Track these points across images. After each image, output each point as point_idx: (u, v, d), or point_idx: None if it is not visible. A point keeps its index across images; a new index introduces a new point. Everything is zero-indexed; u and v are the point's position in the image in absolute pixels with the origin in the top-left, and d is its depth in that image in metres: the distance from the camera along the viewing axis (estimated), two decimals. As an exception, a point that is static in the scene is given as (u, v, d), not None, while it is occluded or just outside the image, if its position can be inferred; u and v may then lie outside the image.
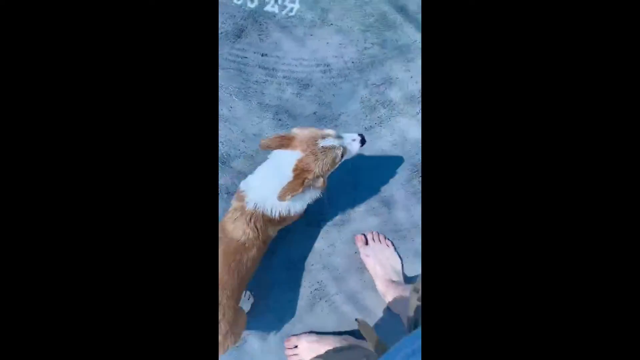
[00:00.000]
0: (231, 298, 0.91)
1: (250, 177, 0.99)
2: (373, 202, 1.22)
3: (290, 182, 0.89)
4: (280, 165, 0.92)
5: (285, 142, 0.91)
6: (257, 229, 0.93)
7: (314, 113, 1.28)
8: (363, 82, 1.30)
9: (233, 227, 0.94)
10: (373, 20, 1.36)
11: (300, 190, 0.89)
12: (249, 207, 0.93)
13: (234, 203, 0.98)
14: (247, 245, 0.94)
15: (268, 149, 0.94)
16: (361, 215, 1.21)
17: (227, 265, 0.91)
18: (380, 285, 1.08)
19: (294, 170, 0.90)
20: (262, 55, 1.32)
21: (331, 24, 1.35)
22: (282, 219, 0.97)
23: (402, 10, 1.37)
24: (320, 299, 1.16)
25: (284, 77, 1.31)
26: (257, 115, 1.28)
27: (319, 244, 1.19)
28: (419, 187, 1.22)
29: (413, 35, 1.34)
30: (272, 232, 1.01)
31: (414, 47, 1.33)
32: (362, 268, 1.16)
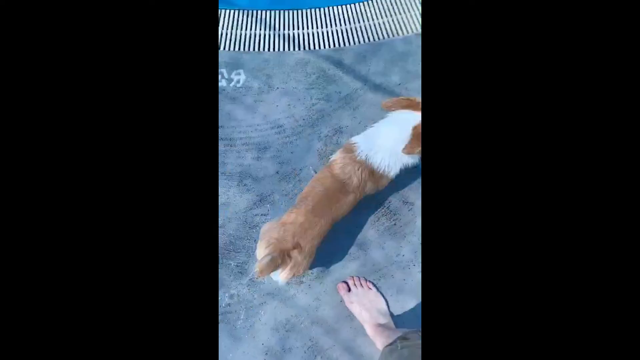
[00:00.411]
0: (318, 236, 0.99)
1: (364, 133, 1.10)
2: (349, 247, 1.26)
3: (414, 139, 1.01)
4: (399, 124, 1.04)
5: (407, 104, 1.05)
6: (361, 179, 1.03)
7: (277, 172, 1.33)
8: (316, 136, 1.38)
9: (341, 170, 1.04)
10: (315, 77, 1.47)
11: (420, 149, 1.01)
12: (360, 157, 1.04)
13: (341, 154, 1.07)
14: (350, 189, 1.03)
15: (389, 109, 1.08)
16: (340, 263, 1.24)
17: (328, 200, 1.01)
18: (369, 331, 1.09)
19: (414, 128, 1.01)
20: (218, 127, 1.39)
21: (277, 88, 1.46)
22: (381, 176, 1.07)
23: (339, 64, 1.49)
24: (316, 356, 1.15)
25: (243, 144, 1.38)
26: (223, 185, 1.32)
27: (304, 300, 1.20)
28: (387, 223, 1.27)
29: (354, 84, 1.46)
30: (368, 189, 1.08)
31: (356, 95, 1.45)
32: (350, 316, 1.17)
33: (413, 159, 1.08)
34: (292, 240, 0.96)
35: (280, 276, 0.99)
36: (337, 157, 1.08)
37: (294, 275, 0.99)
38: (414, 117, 1.02)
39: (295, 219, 0.99)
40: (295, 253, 0.96)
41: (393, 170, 1.08)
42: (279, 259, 0.93)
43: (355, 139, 1.09)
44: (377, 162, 1.05)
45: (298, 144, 1.37)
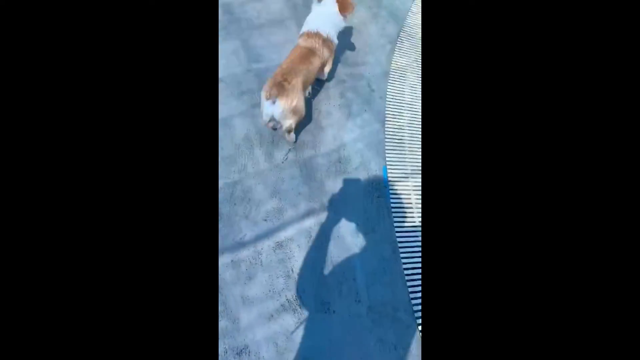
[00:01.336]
0: (301, 76, 1.56)
1: (306, 20, 1.74)
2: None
3: (340, 6, 1.69)
4: (326, 4, 1.70)
5: None
6: (320, 44, 1.65)
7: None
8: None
9: (305, 42, 1.65)
10: None
11: (347, 11, 1.73)
12: (313, 31, 1.65)
13: (301, 36, 1.70)
14: (315, 52, 1.65)
15: None
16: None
17: (303, 58, 1.59)
18: None
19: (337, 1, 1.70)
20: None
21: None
22: (330, 42, 1.72)
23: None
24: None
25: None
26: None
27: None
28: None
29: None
30: (325, 53, 1.71)
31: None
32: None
33: (343, 23, 1.76)
34: (281, 77, 1.51)
35: (280, 103, 1.48)
36: (301, 38, 1.68)
37: (290, 103, 1.50)
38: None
39: (282, 67, 1.55)
40: (285, 83, 1.50)
41: (334, 36, 1.75)
42: (274, 88, 1.48)
43: (305, 25, 1.71)
44: (325, 33, 1.67)
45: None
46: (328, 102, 2.02)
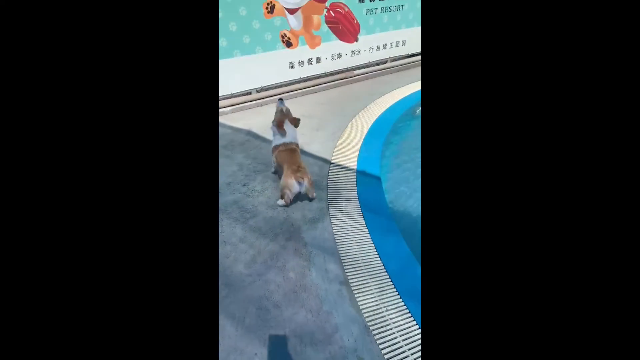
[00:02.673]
0: (299, 162, 2.56)
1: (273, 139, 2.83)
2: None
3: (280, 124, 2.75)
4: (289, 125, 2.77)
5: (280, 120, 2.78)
6: (297, 147, 2.74)
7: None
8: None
9: (288, 146, 2.69)
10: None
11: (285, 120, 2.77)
12: (295, 141, 2.80)
13: (283, 146, 2.72)
14: (296, 149, 2.70)
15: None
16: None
17: (294, 156, 2.62)
18: None
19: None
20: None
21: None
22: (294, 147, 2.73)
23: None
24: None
25: None
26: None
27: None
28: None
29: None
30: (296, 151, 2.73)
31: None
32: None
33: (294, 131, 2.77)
34: (296, 167, 2.49)
35: (306, 182, 2.48)
36: (280, 146, 2.69)
37: (310, 179, 2.52)
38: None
39: (288, 162, 2.54)
40: (301, 168, 2.51)
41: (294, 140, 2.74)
42: (298, 173, 2.46)
43: (278, 140, 2.72)
44: (295, 140, 2.74)
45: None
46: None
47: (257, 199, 2.66)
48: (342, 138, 3.65)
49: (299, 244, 2.21)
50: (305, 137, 3.62)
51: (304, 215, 2.48)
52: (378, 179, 2.95)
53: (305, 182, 2.48)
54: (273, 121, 2.80)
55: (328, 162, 3.22)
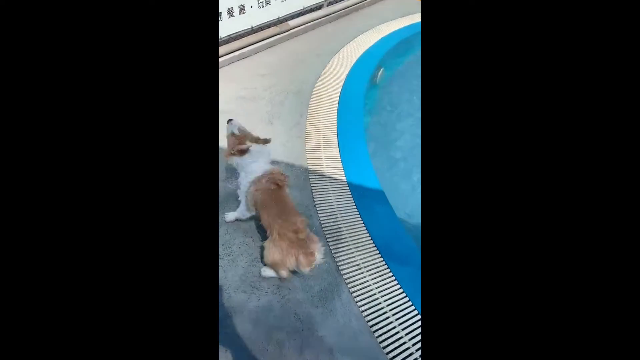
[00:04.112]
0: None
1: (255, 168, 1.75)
2: None
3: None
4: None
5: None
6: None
7: None
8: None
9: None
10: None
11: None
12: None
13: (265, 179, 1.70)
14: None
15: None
16: None
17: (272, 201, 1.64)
18: None
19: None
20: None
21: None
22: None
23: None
24: None
25: None
26: None
27: None
28: None
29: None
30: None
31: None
32: None
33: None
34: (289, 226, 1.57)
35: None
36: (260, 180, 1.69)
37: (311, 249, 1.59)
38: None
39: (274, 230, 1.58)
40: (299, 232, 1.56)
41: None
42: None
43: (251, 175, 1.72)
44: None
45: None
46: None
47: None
48: (308, 131, 2.73)
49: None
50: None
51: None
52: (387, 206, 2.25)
53: (316, 256, 1.58)
54: (228, 153, 1.75)
55: (304, 171, 2.34)
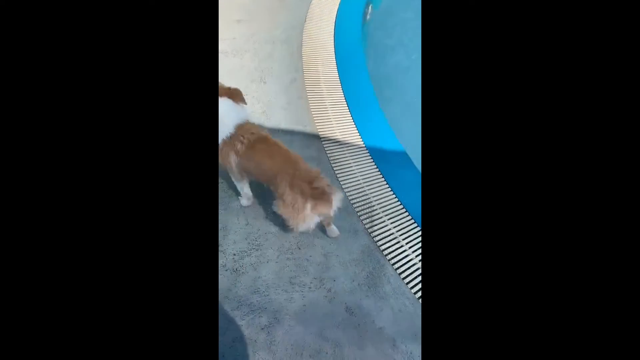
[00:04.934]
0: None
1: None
2: None
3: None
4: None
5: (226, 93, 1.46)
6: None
7: None
8: None
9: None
10: None
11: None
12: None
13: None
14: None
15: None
16: None
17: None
18: None
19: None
20: None
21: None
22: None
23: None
24: None
25: None
26: None
27: None
28: None
29: None
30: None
31: None
32: None
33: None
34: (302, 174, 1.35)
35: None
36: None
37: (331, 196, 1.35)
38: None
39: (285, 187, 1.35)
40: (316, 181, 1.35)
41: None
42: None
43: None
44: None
45: None
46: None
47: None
48: (309, 89, 2.37)
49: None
50: (251, 104, 2.22)
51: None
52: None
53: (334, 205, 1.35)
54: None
55: (316, 139, 2.06)
